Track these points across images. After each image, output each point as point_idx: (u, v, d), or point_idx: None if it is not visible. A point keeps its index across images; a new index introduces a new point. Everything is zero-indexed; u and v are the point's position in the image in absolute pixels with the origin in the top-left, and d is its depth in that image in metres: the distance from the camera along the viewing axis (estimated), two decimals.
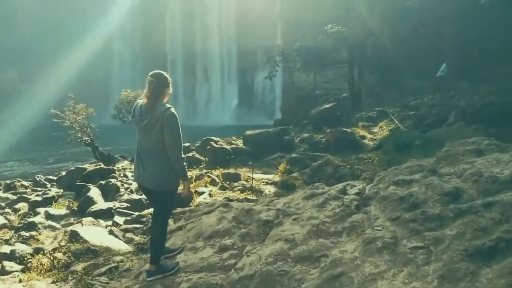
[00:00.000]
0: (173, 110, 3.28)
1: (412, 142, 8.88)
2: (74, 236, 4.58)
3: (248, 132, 10.73)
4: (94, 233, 4.79)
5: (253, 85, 39.21)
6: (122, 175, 9.79)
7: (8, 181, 10.25)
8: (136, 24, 42.08)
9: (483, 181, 3.36)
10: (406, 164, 4.49)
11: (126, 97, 15.11)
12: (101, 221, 5.85)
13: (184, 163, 3.34)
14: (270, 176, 8.33)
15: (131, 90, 15.59)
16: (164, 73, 3.40)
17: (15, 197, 8.21)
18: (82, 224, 5.22)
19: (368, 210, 3.55)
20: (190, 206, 6.02)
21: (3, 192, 9.15)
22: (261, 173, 8.72)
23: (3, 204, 7.78)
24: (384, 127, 11.70)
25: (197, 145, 11.96)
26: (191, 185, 7.67)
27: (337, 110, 13.22)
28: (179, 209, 5.72)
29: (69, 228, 4.90)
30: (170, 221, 5.22)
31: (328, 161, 6.10)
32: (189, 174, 8.71)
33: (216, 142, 11.26)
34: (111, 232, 4.94)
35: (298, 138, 11.38)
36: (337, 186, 4.36)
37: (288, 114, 24.39)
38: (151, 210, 5.90)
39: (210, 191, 6.97)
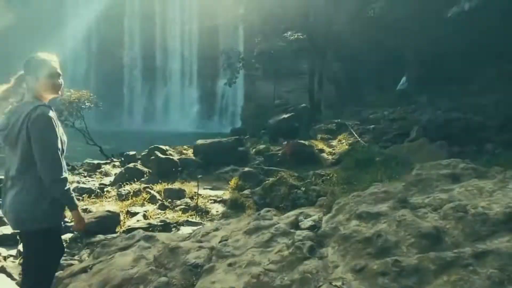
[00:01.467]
0: (44, 108, 2.29)
1: (373, 158, 8.33)
2: None
3: (199, 142, 9.80)
4: None
5: (214, 91, 38.22)
6: None
7: None
8: (92, 25, 40.17)
9: (470, 220, 2.64)
10: (370, 189, 3.75)
11: (69, 97, 13.77)
12: (2, 249, 4.70)
13: (67, 186, 2.33)
14: (219, 193, 7.43)
15: (74, 90, 14.27)
16: (41, 56, 2.39)
17: None
18: None
19: (324, 254, 2.74)
20: (116, 233, 5.02)
21: None
22: (210, 189, 7.80)
23: None
24: (343, 141, 11.15)
25: (143, 153, 10.85)
26: (126, 204, 6.62)
27: (296, 121, 12.57)
28: (100, 237, 4.71)
29: None
30: (83, 255, 4.20)
31: (281, 179, 5.32)
32: (127, 188, 7.79)
33: (164, 151, 10.22)
34: (2, 270, 3.84)
35: (254, 150, 10.58)
36: (288, 216, 3.55)
37: (248, 123, 23.67)
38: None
39: (146, 211, 5.96)
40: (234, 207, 6.40)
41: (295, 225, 3.27)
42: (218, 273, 2.72)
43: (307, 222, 3.32)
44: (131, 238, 3.58)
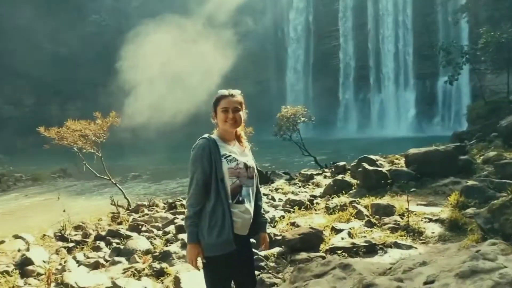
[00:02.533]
0: (200, 141, 2.45)
1: None
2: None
3: (411, 150, 8.93)
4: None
5: (433, 91, 35.21)
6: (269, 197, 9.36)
7: (170, 200, 10.80)
8: (309, 33, 42.95)
9: None
10: None
11: (286, 113, 14.98)
12: None
13: (189, 219, 2.38)
14: (436, 210, 6.52)
15: (291, 106, 15.42)
16: (219, 92, 2.57)
17: (172, 217, 8.05)
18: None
19: None
20: (319, 251, 4.98)
21: (166, 211, 9.18)
22: (424, 205, 6.95)
23: (160, 225, 7.73)
24: None
25: (352, 164, 10.69)
26: (332, 218, 6.56)
27: None
28: (303, 254, 4.76)
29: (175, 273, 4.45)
30: (286, 274, 4.30)
31: None
32: (335, 201, 7.72)
33: (373, 161, 9.78)
34: None
35: (481, 158, 8.94)
36: None
37: (476, 124, 20.59)
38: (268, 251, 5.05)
39: (351, 228, 5.73)
40: (454, 229, 5.48)
41: None
42: None
43: None
44: (326, 265, 3.43)
